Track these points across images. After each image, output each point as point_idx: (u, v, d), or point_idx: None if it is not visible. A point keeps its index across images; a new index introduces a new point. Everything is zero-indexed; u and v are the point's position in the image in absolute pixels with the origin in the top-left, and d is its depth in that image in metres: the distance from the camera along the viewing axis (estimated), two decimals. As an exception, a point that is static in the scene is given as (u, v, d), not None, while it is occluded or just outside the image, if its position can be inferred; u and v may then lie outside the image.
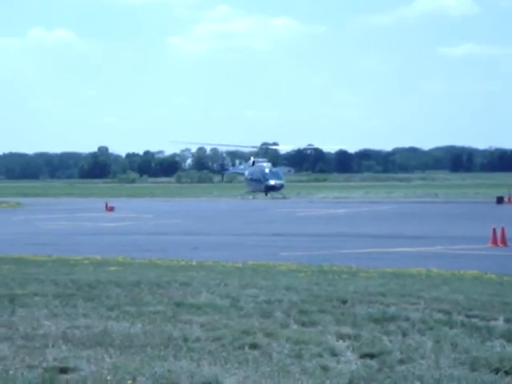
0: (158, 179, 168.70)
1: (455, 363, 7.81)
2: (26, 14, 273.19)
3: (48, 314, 10.33)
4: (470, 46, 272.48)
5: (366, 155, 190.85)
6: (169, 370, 7.49)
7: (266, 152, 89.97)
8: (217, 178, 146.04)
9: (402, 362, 7.85)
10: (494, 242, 23.63)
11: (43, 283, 13.25)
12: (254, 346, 8.44)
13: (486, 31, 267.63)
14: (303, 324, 9.70)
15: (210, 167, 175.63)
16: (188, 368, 7.59)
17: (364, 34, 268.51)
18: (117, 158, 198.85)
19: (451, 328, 9.43)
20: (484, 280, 14.63)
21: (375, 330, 9.30)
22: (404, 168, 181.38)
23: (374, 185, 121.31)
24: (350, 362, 7.89)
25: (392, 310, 10.58)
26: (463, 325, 9.61)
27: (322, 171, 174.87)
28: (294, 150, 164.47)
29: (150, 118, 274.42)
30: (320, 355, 8.11)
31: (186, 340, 8.73)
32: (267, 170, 78.20)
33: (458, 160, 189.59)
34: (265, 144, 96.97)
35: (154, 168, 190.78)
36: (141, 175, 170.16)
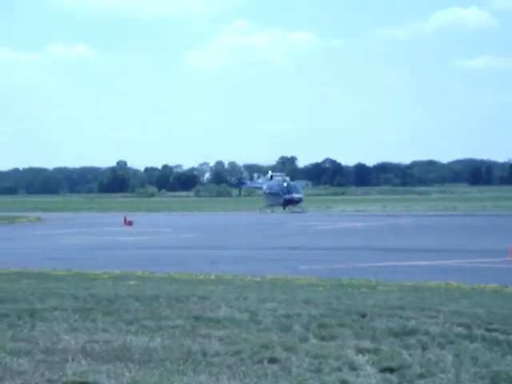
0: (177, 193, 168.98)
1: (475, 377, 7.76)
2: (45, 30, 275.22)
3: (67, 329, 10.36)
4: (488, 58, 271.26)
5: (384, 168, 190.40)
6: (188, 385, 7.49)
7: (284, 166, 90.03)
8: (235, 191, 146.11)
9: (421, 376, 7.81)
10: (514, 255, 23.45)
11: (63, 298, 13.29)
12: (273, 360, 8.42)
13: (504, 44, 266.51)
14: (322, 338, 9.67)
15: (228, 181, 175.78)
16: (207, 382, 7.58)
17: (381, 48, 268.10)
18: (135, 172, 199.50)
19: (471, 342, 9.37)
20: (504, 294, 14.53)
21: (395, 344, 9.26)
22: (422, 181, 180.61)
23: (392, 198, 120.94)
24: (370, 376, 7.86)
25: (411, 323, 10.53)
26: (483, 339, 9.54)
27: (340, 185, 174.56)
28: (312, 164, 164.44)
29: (169, 132, 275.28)
30: (339, 369, 8.09)
31: (204, 354, 8.73)
32: (285, 184, 78.18)
33: (477, 173, 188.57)
34: (283, 158, 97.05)
35: (172, 182, 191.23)
36: (159, 189, 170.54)
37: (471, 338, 9.59)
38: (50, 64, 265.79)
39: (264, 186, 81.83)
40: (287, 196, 76.54)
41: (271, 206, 77.92)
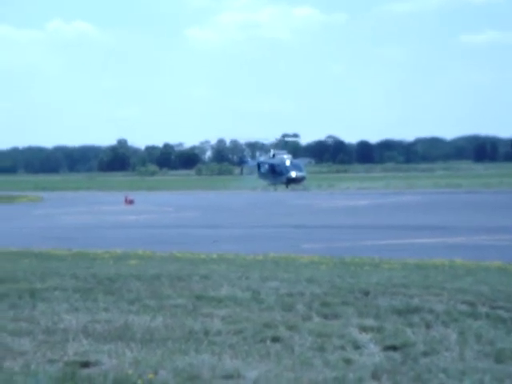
0: (178, 172, 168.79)
1: (480, 355, 7.70)
2: (45, 6, 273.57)
3: (68, 308, 10.30)
4: (494, 33, 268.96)
5: (387, 146, 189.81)
6: (190, 364, 7.43)
7: (287, 143, 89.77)
8: (237, 170, 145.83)
9: (425, 354, 7.75)
10: (519, 232, 23.37)
11: (63, 277, 13.23)
12: (275, 339, 8.36)
13: (508, 18, 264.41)
14: (325, 316, 9.61)
15: (230, 159, 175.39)
16: (209, 361, 7.52)
17: (386, 22, 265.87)
18: (136, 150, 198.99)
19: (475, 319, 9.30)
20: (509, 271, 14.45)
21: (398, 322, 9.19)
22: (426, 158, 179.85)
23: (395, 175, 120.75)
24: (373, 354, 7.79)
25: (415, 301, 10.46)
26: (488, 316, 9.48)
27: (342, 162, 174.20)
28: (314, 141, 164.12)
29: (170, 110, 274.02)
30: (343, 348, 8.02)
31: (207, 333, 8.67)
32: (288, 162, 77.94)
33: (482, 150, 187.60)
34: (285, 135, 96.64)
35: (173, 161, 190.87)
36: (160, 168, 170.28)
37: (475, 315, 9.53)
38: (49, 41, 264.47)
39: (266, 165, 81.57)
40: (290, 174, 76.33)
41: (274, 184, 77.77)
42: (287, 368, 7.29)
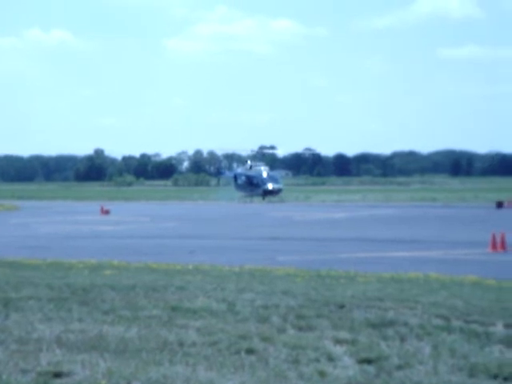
0: (155, 182, 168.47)
1: (453, 369, 7.74)
2: (23, 14, 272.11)
3: (42, 318, 10.24)
4: (472, 48, 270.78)
5: (364, 159, 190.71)
6: (164, 375, 7.41)
7: (264, 155, 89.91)
8: (214, 181, 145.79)
9: (399, 367, 7.78)
10: (494, 247, 23.53)
11: (38, 287, 13.15)
12: (250, 351, 8.35)
13: (487, 33, 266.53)
14: (300, 329, 9.62)
15: (207, 170, 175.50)
16: (183, 373, 7.50)
17: (365, 37, 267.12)
18: (113, 160, 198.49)
19: (449, 333, 9.35)
20: (483, 285, 14.54)
21: (373, 335, 9.22)
22: (403, 172, 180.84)
23: (372, 189, 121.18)
24: (348, 367, 7.81)
25: (390, 314, 10.50)
26: (462, 330, 9.53)
27: (319, 175, 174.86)
28: (291, 154, 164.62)
29: (147, 120, 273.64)
30: (317, 360, 8.03)
31: (181, 344, 8.65)
32: (265, 174, 78.07)
33: (458, 164, 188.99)
34: (262, 147, 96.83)
35: (150, 171, 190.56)
36: (137, 178, 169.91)
37: (449, 329, 9.58)
38: (27, 49, 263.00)
39: (243, 176, 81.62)
40: (267, 186, 76.43)
41: (250, 195, 77.82)
42: (261, 380, 7.29)
